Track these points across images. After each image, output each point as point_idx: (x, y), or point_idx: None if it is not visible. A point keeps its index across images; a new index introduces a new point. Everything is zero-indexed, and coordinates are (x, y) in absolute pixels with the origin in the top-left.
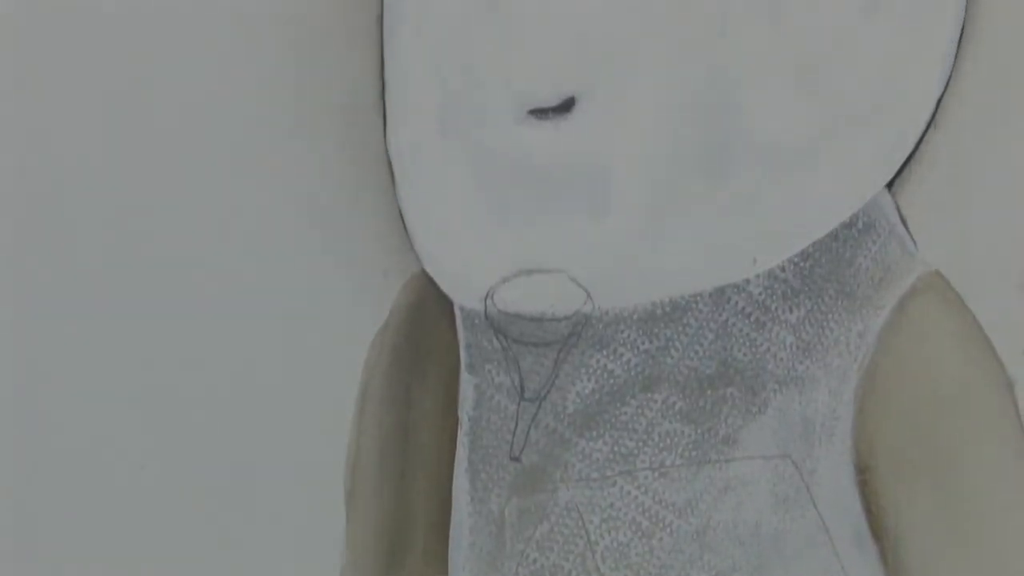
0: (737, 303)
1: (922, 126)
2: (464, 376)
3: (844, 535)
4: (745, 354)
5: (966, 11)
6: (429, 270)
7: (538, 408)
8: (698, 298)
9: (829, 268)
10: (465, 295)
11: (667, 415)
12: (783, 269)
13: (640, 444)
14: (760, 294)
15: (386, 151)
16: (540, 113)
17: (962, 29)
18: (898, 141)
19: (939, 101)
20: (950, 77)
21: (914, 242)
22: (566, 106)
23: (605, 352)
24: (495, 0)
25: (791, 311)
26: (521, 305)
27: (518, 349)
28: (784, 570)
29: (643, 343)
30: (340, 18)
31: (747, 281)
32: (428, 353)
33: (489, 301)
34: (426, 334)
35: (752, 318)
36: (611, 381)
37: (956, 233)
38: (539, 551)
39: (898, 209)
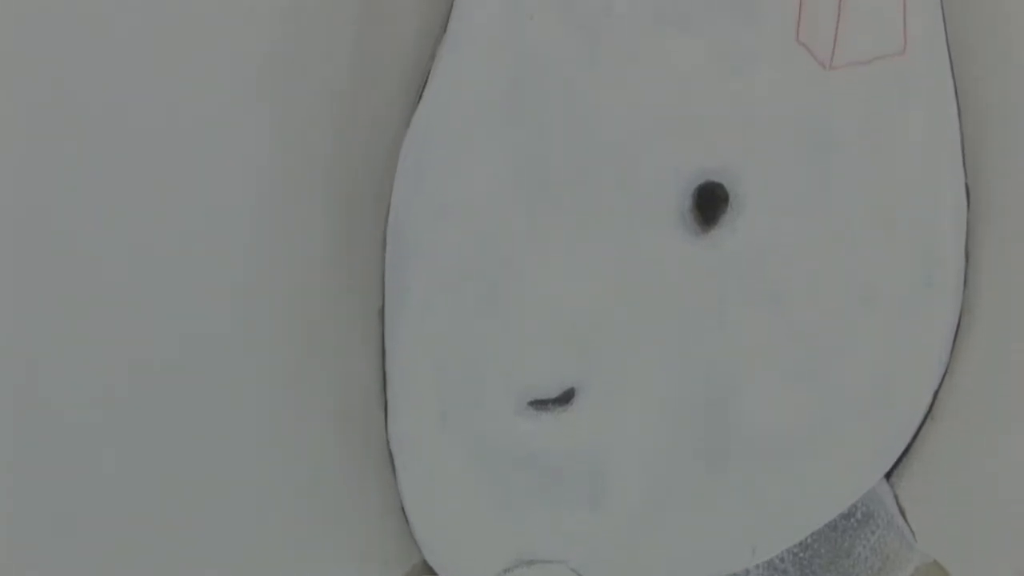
0: None
1: (919, 417)
2: None
3: None
4: None
5: (962, 306)
6: (430, 560)
7: None
8: None
9: (828, 558)
10: None
11: None
12: (782, 559)
13: None
14: None
15: (387, 441)
16: (540, 404)
17: (958, 323)
18: (896, 432)
19: (936, 393)
20: (947, 369)
21: (912, 532)
22: (566, 397)
23: None
24: (495, 294)
25: None
26: None
27: None
28: None
29: None
30: (341, 310)
31: (746, 571)
32: None
33: None
34: None
35: None
36: None
37: (954, 523)
38: None
39: (897, 499)
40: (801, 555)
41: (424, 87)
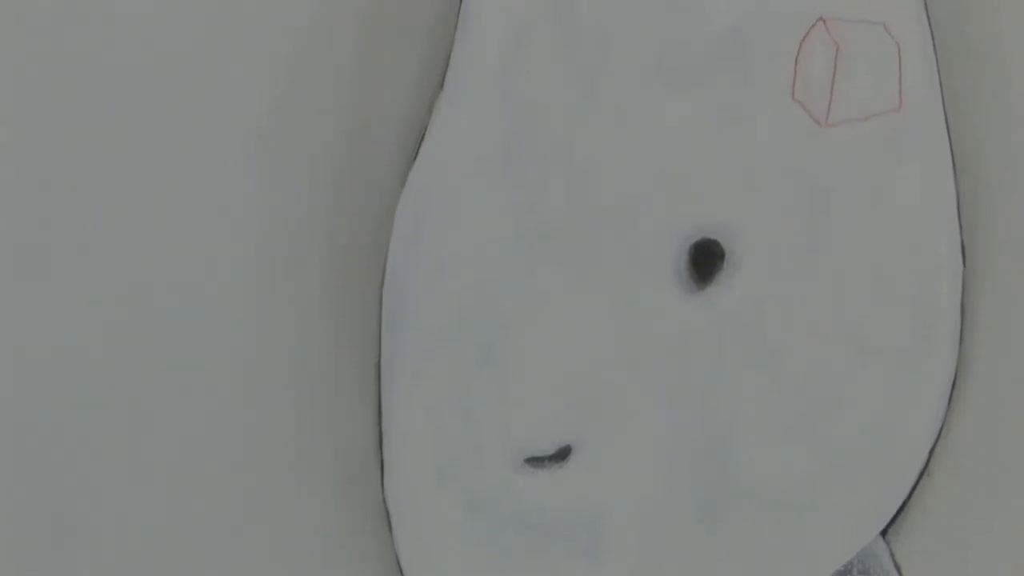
0: None
1: (915, 473)
2: None
3: None
4: None
5: (958, 362)
6: None
7: None
8: None
9: None
10: None
11: None
12: None
13: None
14: None
15: (384, 498)
16: (536, 461)
17: (954, 379)
18: (892, 488)
19: (932, 449)
20: (943, 425)
21: None
22: (562, 454)
23: None
24: (491, 350)
25: None
26: None
27: None
28: None
29: None
30: (338, 366)
31: None
32: None
33: None
34: None
35: None
36: None
37: None
38: None
39: (892, 556)
40: None
41: (421, 142)
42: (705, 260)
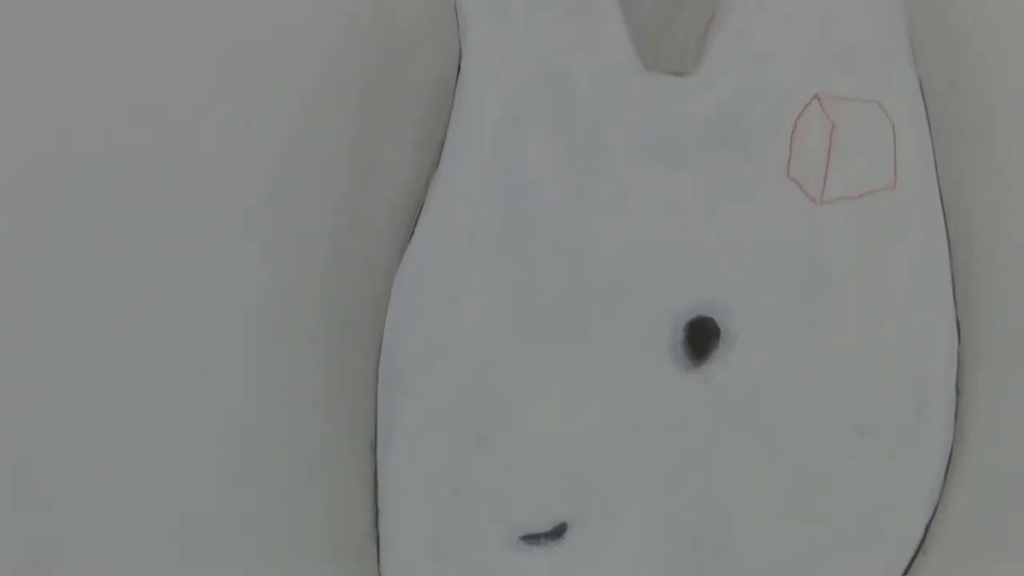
0: None
1: (911, 551)
2: None
3: None
4: None
5: (953, 440)
6: None
7: None
8: None
9: None
10: None
11: None
12: None
13: None
14: None
15: (379, 575)
16: (532, 539)
17: (949, 457)
18: (887, 565)
19: (928, 527)
20: (938, 502)
21: None
22: (558, 532)
23: None
24: (486, 429)
25: None
26: None
27: None
28: None
29: None
30: (334, 443)
31: None
32: None
33: None
34: None
35: None
36: None
37: None
38: None
39: None
40: None
41: (417, 220)
42: (700, 338)
